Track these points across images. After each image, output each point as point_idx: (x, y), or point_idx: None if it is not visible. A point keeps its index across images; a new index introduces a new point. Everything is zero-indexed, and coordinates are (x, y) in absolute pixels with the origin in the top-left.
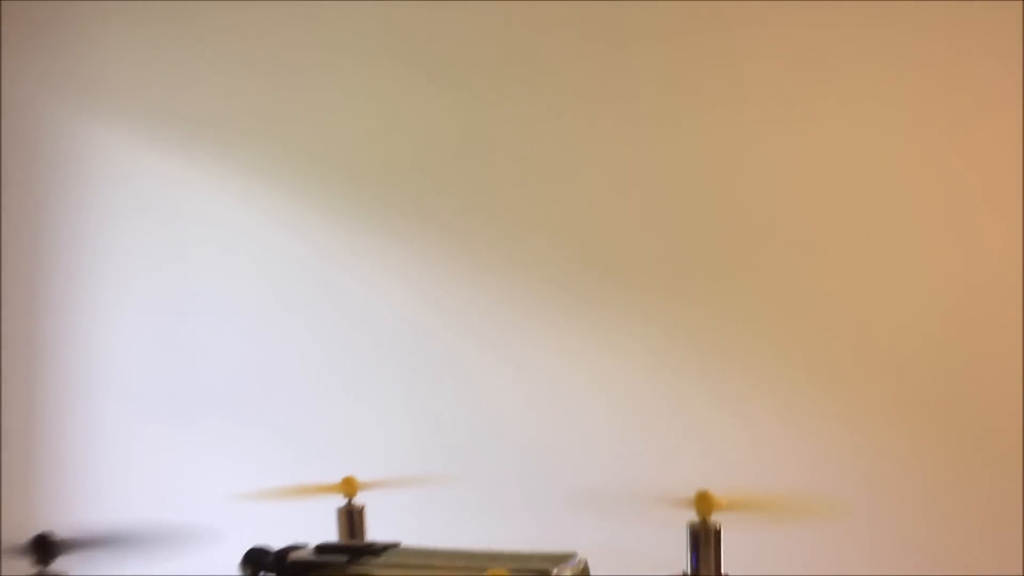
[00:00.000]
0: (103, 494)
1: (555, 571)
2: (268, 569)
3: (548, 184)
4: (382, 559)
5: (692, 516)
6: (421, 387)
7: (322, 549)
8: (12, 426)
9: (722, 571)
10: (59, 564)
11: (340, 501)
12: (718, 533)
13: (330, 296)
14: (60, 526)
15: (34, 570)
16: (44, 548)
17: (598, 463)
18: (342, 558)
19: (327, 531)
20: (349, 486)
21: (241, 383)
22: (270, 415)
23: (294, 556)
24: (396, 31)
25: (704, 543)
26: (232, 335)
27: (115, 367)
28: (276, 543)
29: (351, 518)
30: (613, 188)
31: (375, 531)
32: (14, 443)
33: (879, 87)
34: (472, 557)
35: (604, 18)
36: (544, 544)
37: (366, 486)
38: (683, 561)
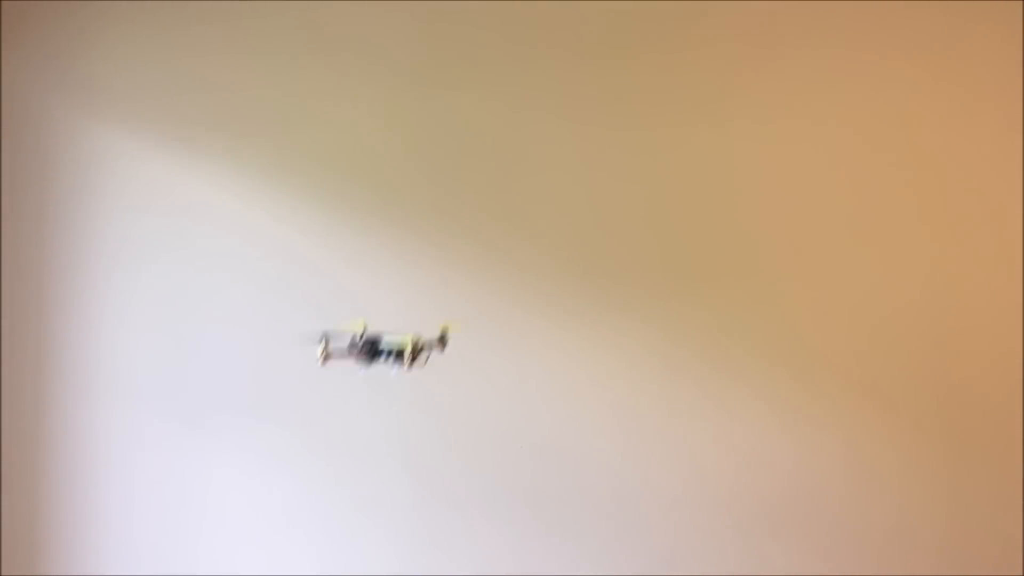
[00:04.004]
0: (109, 493)
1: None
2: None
3: (548, 187)
4: None
5: None
6: (422, 384)
7: None
8: (18, 426)
9: None
10: None
11: None
12: None
13: (333, 295)
14: (64, 527)
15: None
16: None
17: (597, 459)
18: None
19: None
20: None
21: (246, 382)
22: (275, 413)
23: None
24: (397, 33)
25: None
26: (237, 334)
27: (120, 367)
28: (280, 549)
29: None
30: (610, 193)
31: (375, 527)
32: (20, 443)
33: (879, 87)
34: None
35: (604, 22)
36: (540, 532)
37: None
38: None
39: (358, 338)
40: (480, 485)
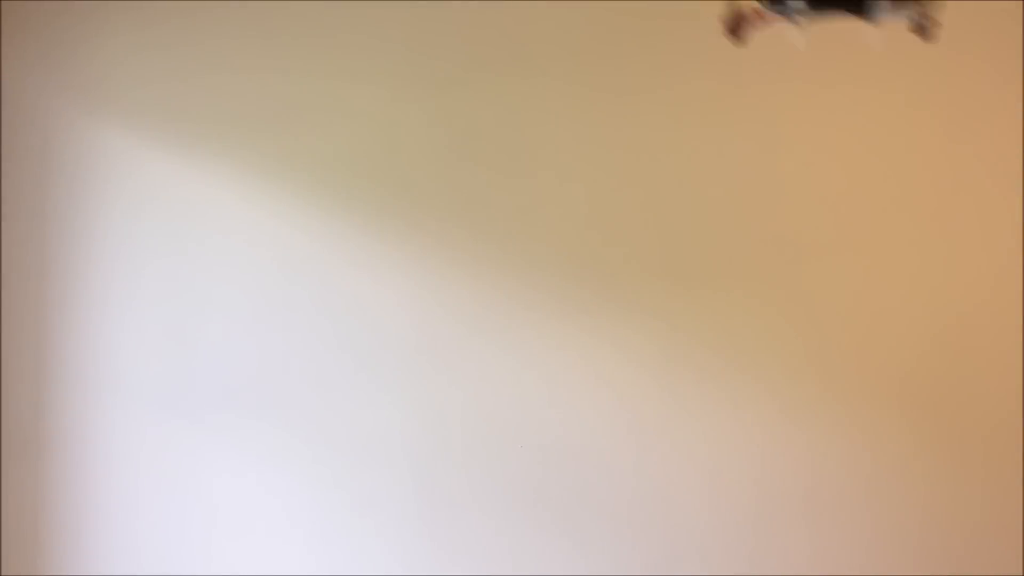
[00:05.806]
0: (109, 493)
1: None
2: None
3: (552, 185)
4: None
5: None
6: (425, 383)
7: None
8: (18, 426)
9: None
10: None
11: None
12: None
13: (335, 293)
14: (64, 525)
15: None
16: None
17: (600, 458)
18: None
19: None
20: None
21: (247, 381)
22: (277, 412)
23: None
24: (399, 32)
25: None
26: (238, 333)
27: (121, 365)
28: (281, 548)
29: None
30: (615, 190)
31: (377, 527)
32: (20, 443)
33: (878, 87)
34: None
35: (604, 21)
36: (544, 531)
37: None
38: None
39: None
40: (483, 484)
